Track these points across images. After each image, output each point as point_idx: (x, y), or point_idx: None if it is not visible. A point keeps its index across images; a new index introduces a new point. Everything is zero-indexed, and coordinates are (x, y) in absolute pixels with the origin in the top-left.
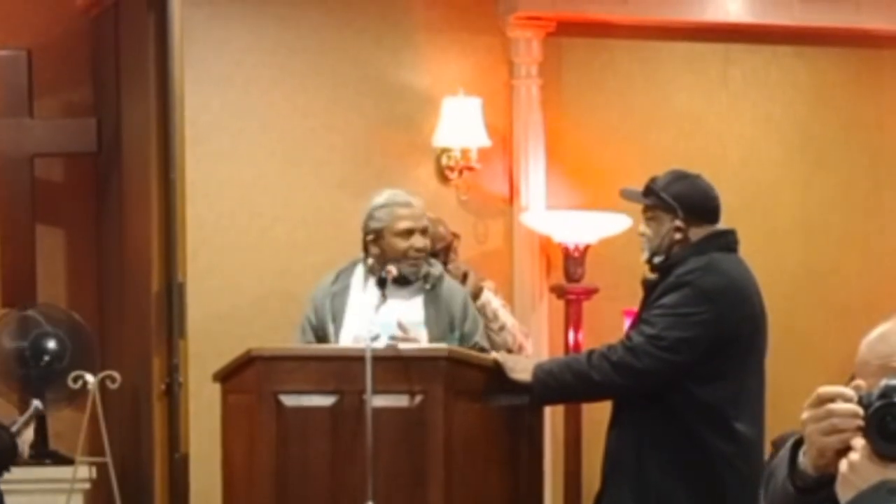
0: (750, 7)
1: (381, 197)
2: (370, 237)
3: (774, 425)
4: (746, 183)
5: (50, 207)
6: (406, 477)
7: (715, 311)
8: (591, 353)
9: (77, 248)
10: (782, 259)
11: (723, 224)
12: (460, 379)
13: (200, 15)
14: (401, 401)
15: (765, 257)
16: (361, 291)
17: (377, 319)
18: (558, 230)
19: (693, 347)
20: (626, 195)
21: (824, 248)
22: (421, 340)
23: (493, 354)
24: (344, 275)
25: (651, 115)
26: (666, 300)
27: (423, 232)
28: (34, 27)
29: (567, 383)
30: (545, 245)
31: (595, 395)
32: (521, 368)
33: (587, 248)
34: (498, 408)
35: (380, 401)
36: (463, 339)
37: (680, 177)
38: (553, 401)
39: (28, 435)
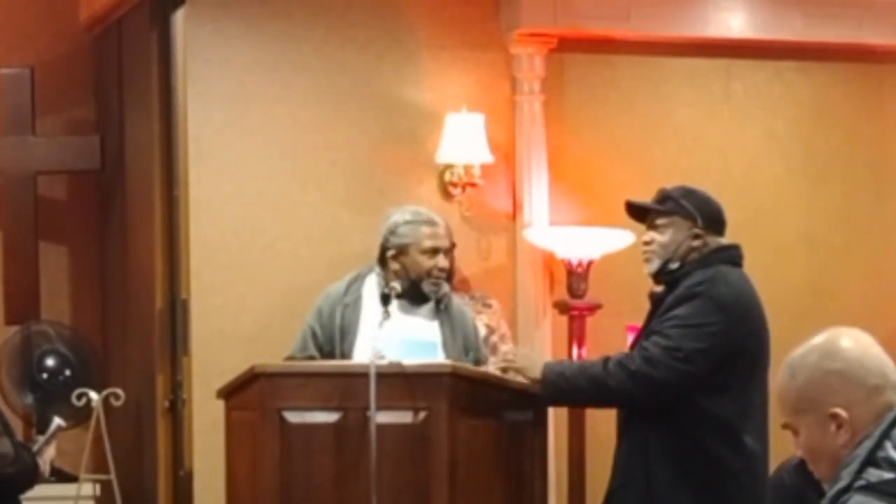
0: (752, 23)
1: (406, 213)
2: (392, 252)
3: (779, 441)
4: (749, 198)
5: (53, 225)
6: (410, 493)
7: (725, 322)
8: (606, 360)
9: (80, 265)
10: (785, 274)
11: (727, 239)
12: (464, 395)
13: (203, 32)
14: (405, 417)
15: (767, 272)
16: (376, 304)
17: (389, 336)
18: (561, 246)
19: (708, 358)
20: (636, 204)
21: (827, 262)
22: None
23: (503, 351)
24: (355, 285)
25: (653, 130)
26: (678, 311)
27: (447, 252)
28: (37, 45)
29: (580, 387)
30: (548, 261)
31: (606, 402)
32: (529, 366)
33: (590, 263)
34: (502, 424)
35: (384, 417)
36: (476, 363)
37: (694, 189)
38: (562, 402)
39: (50, 453)
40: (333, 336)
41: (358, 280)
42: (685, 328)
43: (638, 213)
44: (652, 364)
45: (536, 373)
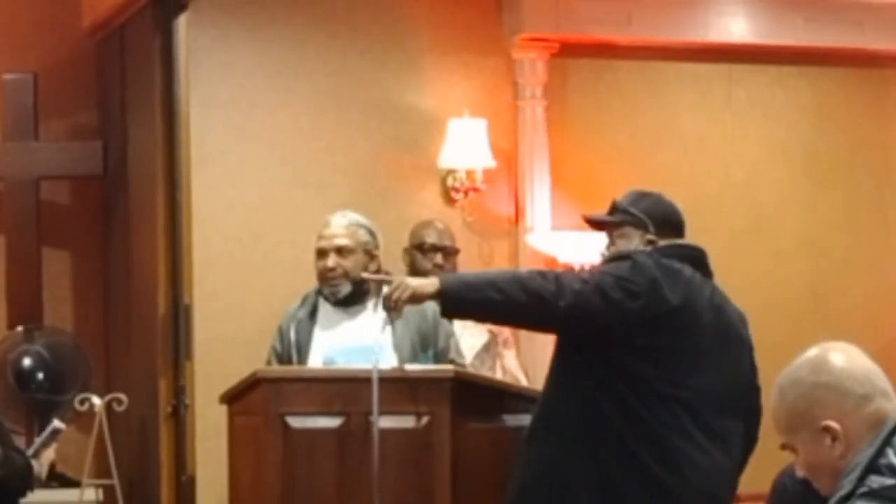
0: (754, 28)
1: None
2: None
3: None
4: (751, 203)
5: (56, 230)
6: (412, 498)
7: (648, 287)
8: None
9: (83, 270)
10: (786, 278)
11: (725, 244)
12: (467, 400)
13: (205, 38)
14: (407, 422)
15: (769, 278)
16: (327, 315)
17: (332, 345)
18: (563, 250)
19: (615, 306)
20: (590, 219)
21: (829, 268)
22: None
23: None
24: (310, 299)
25: (656, 135)
26: (605, 267)
27: (339, 251)
28: (40, 50)
29: (483, 281)
30: (550, 265)
31: (510, 297)
32: (417, 285)
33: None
34: (504, 428)
35: (386, 422)
36: (437, 358)
37: (644, 194)
38: (464, 301)
39: (48, 455)
40: (291, 353)
41: (313, 294)
42: (605, 274)
43: (598, 226)
44: (564, 276)
45: (432, 285)
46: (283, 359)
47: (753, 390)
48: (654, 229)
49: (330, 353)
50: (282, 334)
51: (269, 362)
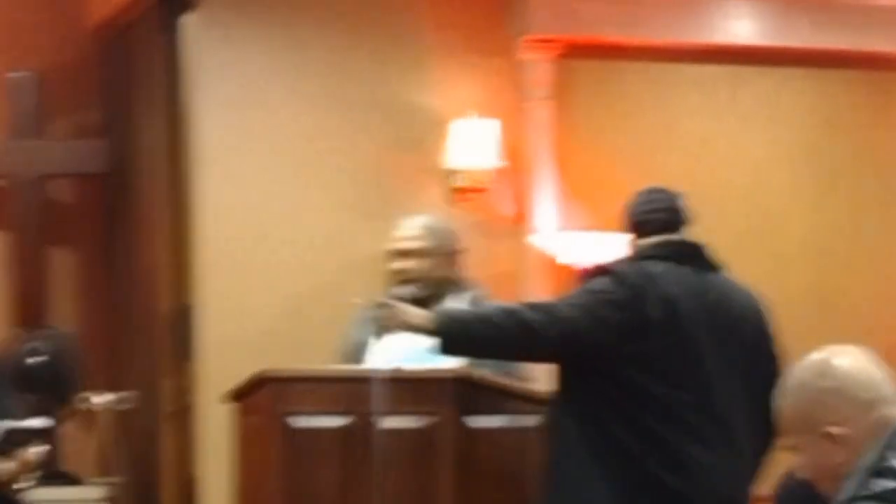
0: (759, 30)
1: None
2: None
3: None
4: (755, 206)
5: (60, 229)
6: (416, 499)
7: (632, 295)
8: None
9: (87, 269)
10: (789, 282)
11: (728, 246)
12: (470, 400)
13: (210, 37)
14: (411, 422)
15: (773, 281)
16: None
17: (392, 344)
18: (568, 252)
19: (604, 324)
20: None
21: (833, 271)
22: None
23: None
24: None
25: (661, 137)
26: (587, 284)
27: (409, 254)
28: (45, 49)
29: (478, 316)
30: (555, 267)
31: (505, 329)
32: (419, 314)
33: None
34: (508, 429)
35: (390, 422)
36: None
37: (635, 194)
38: (457, 336)
39: (25, 457)
40: (354, 352)
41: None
42: (583, 292)
43: None
44: (553, 305)
45: (425, 324)
46: (349, 358)
47: (776, 378)
48: (633, 234)
49: (391, 353)
50: (350, 334)
51: (343, 354)
